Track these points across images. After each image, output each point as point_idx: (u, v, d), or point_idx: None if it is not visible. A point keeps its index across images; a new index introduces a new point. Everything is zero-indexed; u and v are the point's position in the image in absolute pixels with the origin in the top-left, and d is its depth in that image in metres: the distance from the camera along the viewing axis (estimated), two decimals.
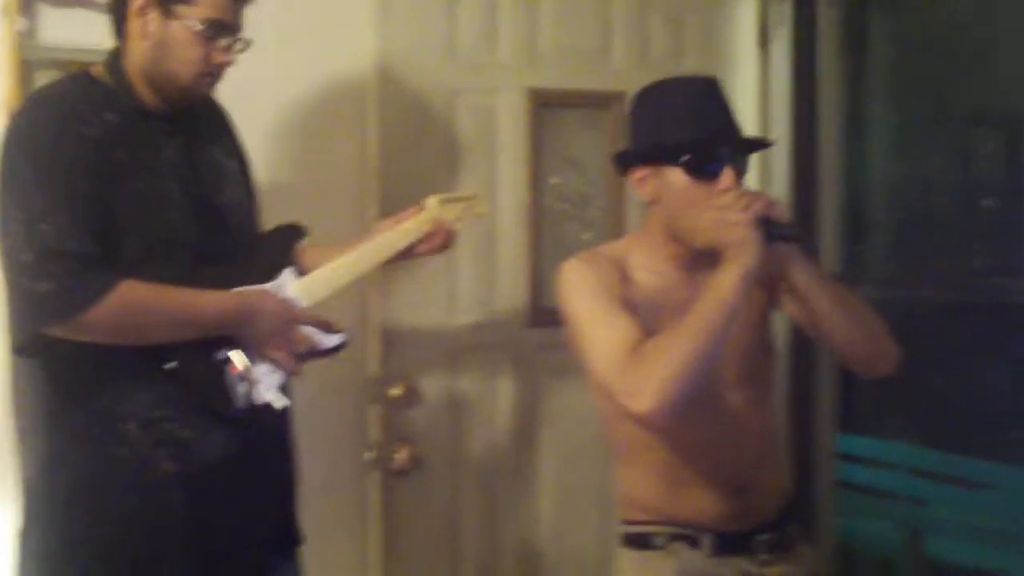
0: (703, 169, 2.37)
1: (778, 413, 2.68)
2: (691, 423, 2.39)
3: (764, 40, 3.76)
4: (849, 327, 2.44)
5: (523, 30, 3.40)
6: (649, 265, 2.49)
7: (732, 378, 2.48)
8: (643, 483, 2.54)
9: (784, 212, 2.36)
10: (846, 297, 2.46)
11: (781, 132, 3.73)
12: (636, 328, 2.33)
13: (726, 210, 2.30)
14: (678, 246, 2.46)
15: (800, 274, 2.42)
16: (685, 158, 2.38)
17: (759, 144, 2.64)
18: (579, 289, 2.43)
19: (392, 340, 3.25)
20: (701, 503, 2.49)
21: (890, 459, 5.70)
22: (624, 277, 2.46)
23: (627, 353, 2.28)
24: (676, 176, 2.40)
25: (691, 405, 2.30)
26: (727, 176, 2.36)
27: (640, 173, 2.45)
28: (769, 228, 2.30)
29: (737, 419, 2.49)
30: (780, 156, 3.73)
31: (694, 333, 2.25)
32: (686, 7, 3.62)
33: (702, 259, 2.41)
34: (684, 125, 2.39)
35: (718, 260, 2.32)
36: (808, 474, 3.85)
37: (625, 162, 2.50)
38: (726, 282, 2.27)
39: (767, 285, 2.52)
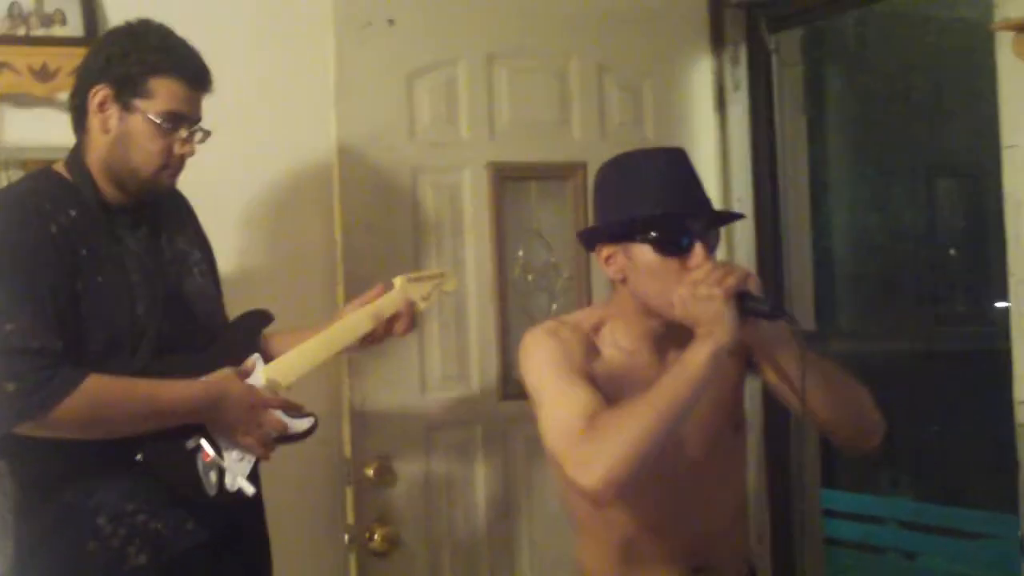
0: (672, 245, 2.29)
1: (745, 486, 2.60)
2: (650, 499, 2.34)
3: (722, 104, 3.80)
4: (835, 405, 2.35)
5: (482, 105, 3.43)
6: (618, 342, 2.40)
7: (696, 455, 2.39)
8: (597, 556, 2.47)
9: (759, 286, 2.27)
10: (830, 373, 2.35)
11: (743, 194, 3.76)
12: (594, 401, 2.24)
13: (699, 284, 2.21)
14: (650, 320, 2.37)
15: (779, 353, 2.35)
16: (653, 235, 2.29)
17: (729, 217, 2.59)
18: (540, 359, 2.35)
19: (364, 420, 3.24)
20: None
21: (877, 513, 5.70)
22: (590, 349, 2.38)
23: (581, 424, 2.19)
24: (644, 253, 2.31)
25: (650, 481, 2.24)
26: (698, 252, 2.28)
27: (607, 251, 2.37)
28: (744, 303, 2.23)
29: (699, 497, 2.40)
30: (743, 218, 3.76)
31: (655, 410, 2.16)
32: (642, 75, 3.66)
33: (674, 337, 2.34)
34: (650, 200, 2.30)
35: (690, 338, 2.24)
36: (793, 532, 3.84)
37: (591, 240, 2.43)
38: (695, 359, 2.18)
39: (741, 355, 2.42)
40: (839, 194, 5.89)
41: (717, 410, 2.41)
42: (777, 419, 3.76)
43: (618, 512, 2.37)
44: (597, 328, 2.42)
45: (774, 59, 3.85)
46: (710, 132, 3.78)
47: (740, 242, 3.72)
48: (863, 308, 5.91)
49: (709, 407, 2.34)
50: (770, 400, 3.69)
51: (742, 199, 3.76)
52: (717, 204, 3.58)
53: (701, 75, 3.80)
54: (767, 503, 3.78)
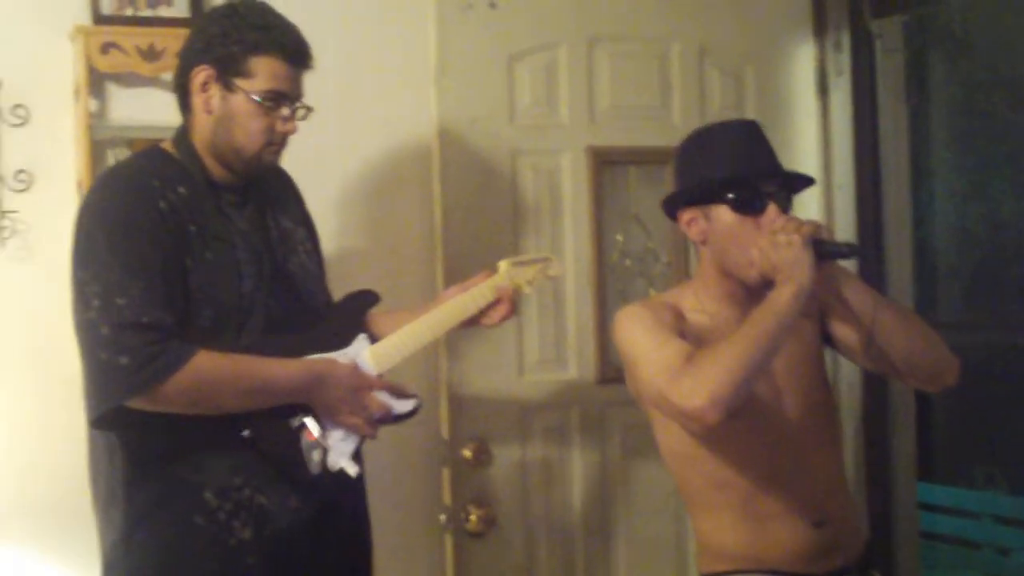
0: (748, 205, 2.45)
1: (848, 463, 2.67)
2: (762, 455, 2.45)
3: (823, 90, 3.76)
4: (908, 339, 2.48)
5: (582, 89, 3.43)
6: (702, 306, 2.54)
7: (796, 409, 2.51)
8: (721, 526, 2.53)
9: (830, 233, 2.43)
10: (902, 310, 2.51)
11: (844, 181, 3.72)
12: (688, 346, 2.39)
13: (777, 233, 2.36)
14: (731, 284, 2.51)
15: (853, 292, 2.48)
16: (729, 195, 2.45)
17: (802, 181, 2.64)
18: (633, 326, 2.48)
19: (462, 402, 3.26)
20: (782, 538, 2.48)
21: (973, 508, 5.62)
22: (679, 317, 2.51)
23: (680, 363, 2.33)
24: (722, 214, 2.47)
25: (757, 435, 2.39)
26: (772, 210, 2.43)
27: (688, 215, 2.52)
28: (821, 247, 2.36)
29: (806, 450, 2.51)
30: (845, 205, 3.72)
31: (746, 343, 2.30)
32: (744, 60, 3.64)
33: (755, 298, 2.44)
34: (726, 164, 2.48)
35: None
36: (889, 525, 3.79)
37: (673, 205, 2.57)
38: (780, 297, 2.33)
39: (816, 318, 2.57)
40: (940, 182, 5.80)
41: (804, 366, 2.54)
42: (876, 411, 3.72)
43: (732, 472, 2.48)
44: (680, 300, 2.57)
45: (877, 45, 3.80)
46: (811, 118, 3.75)
47: (841, 229, 3.67)
48: (964, 299, 5.82)
49: (799, 364, 2.51)
50: (868, 391, 3.67)
51: (843, 186, 3.72)
52: (818, 190, 3.57)
53: (803, 60, 3.77)
54: (865, 495, 3.74)
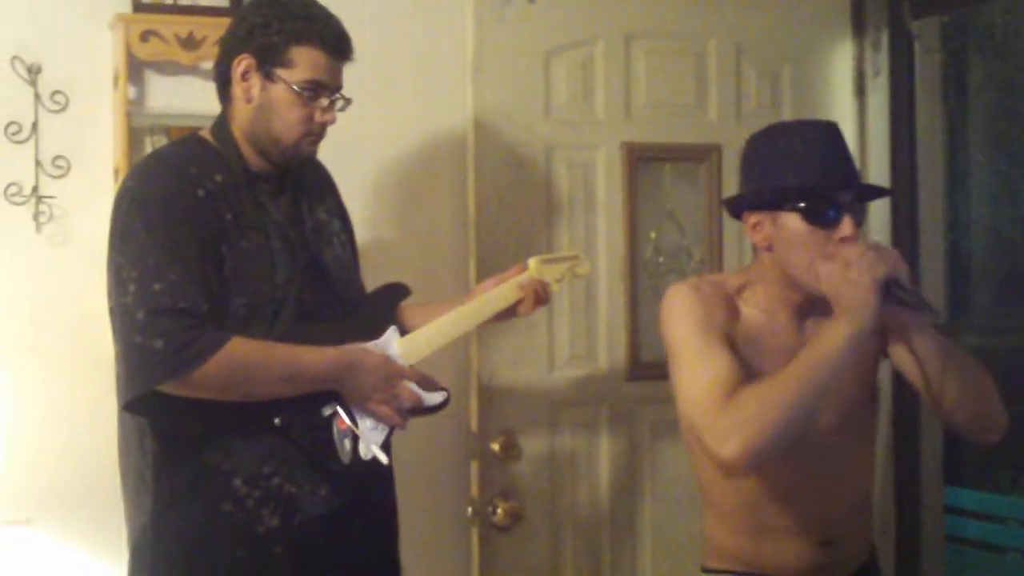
0: (821, 216, 2.30)
1: (877, 463, 2.62)
2: (781, 468, 2.35)
3: (861, 90, 3.75)
4: (962, 395, 2.35)
5: (618, 85, 3.44)
6: (760, 303, 2.43)
7: (830, 426, 2.39)
8: (726, 527, 2.49)
9: (908, 274, 2.27)
10: (962, 363, 2.36)
11: (880, 182, 3.70)
12: (733, 368, 2.28)
13: (851, 266, 2.21)
14: (791, 291, 2.39)
15: (917, 339, 2.34)
16: (802, 204, 2.31)
17: (878, 192, 2.57)
18: (682, 316, 2.37)
19: (492, 395, 3.27)
20: (784, 554, 2.43)
21: (999, 512, 5.59)
22: (731, 310, 2.41)
23: (721, 394, 2.23)
24: (792, 222, 2.33)
25: (782, 456, 2.26)
26: (847, 224, 2.29)
27: (754, 219, 2.39)
28: (891, 291, 2.23)
29: (831, 468, 2.42)
30: (880, 205, 3.70)
31: (792, 387, 2.18)
32: (781, 58, 3.63)
33: (815, 305, 2.36)
34: (802, 170, 2.31)
35: (830, 309, 2.25)
36: (916, 529, 3.78)
37: (738, 207, 2.45)
38: (835, 340, 2.20)
39: (879, 332, 2.39)
40: (976, 185, 5.78)
41: (851, 385, 2.41)
42: (907, 415, 3.71)
43: (748, 482, 2.39)
44: (739, 290, 2.45)
45: (916, 45, 3.78)
46: (848, 118, 3.73)
47: (876, 231, 3.66)
48: (996, 301, 5.79)
49: (843, 382, 2.34)
50: (900, 394, 3.65)
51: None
52: None
53: (841, 60, 3.76)
54: (893, 497, 3.73)
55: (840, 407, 2.40)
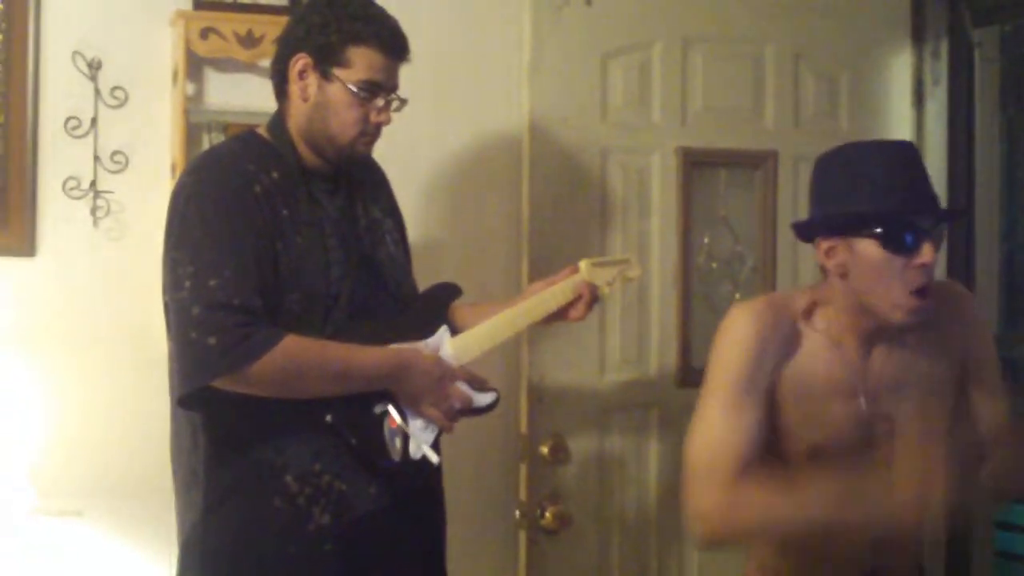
0: (899, 242, 2.19)
1: None
2: None
3: (920, 99, 3.72)
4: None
5: (675, 89, 3.42)
6: (827, 329, 2.32)
7: (883, 455, 2.25)
8: (772, 547, 2.41)
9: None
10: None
11: (937, 192, 3.64)
12: (754, 440, 2.21)
13: (922, 470, 2.07)
14: (865, 320, 2.29)
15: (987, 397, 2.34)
16: (879, 231, 2.20)
17: (956, 214, 2.52)
18: (732, 353, 2.28)
19: (542, 397, 3.26)
20: None
21: None
22: (791, 340, 2.31)
23: (728, 469, 2.16)
24: (868, 248, 2.21)
25: (837, 472, 2.18)
26: (926, 251, 2.18)
27: (827, 244, 2.27)
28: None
29: None
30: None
31: (800, 518, 2.12)
32: (839, 64, 3.61)
33: (884, 333, 2.29)
34: (879, 195, 2.20)
35: (899, 337, 2.19)
36: (965, 544, 3.74)
37: (810, 231, 2.34)
38: (880, 511, 2.08)
39: (960, 363, 2.36)
40: None
41: (928, 403, 2.32)
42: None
43: None
44: (809, 312, 2.34)
45: (976, 54, 3.75)
46: (906, 127, 3.71)
47: None
48: None
49: (922, 402, 2.29)
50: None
51: (936, 197, 3.66)
52: None
53: (900, 68, 3.73)
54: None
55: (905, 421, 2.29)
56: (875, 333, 2.30)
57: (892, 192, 2.20)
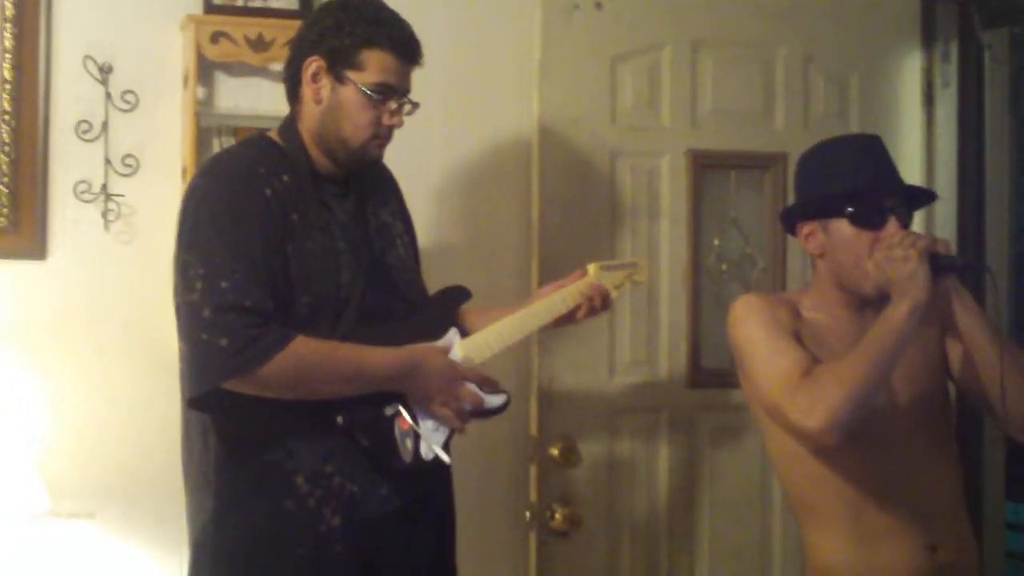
0: (868, 219, 2.44)
1: (959, 463, 2.60)
2: (872, 461, 2.42)
3: (929, 101, 3.72)
4: (1010, 379, 2.39)
5: (684, 92, 3.43)
6: (820, 307, 2.53)
7: (911, 419, 2.47)
8: (829, 540, 2.48)
9: (949, 247, 2.41)
10: (1009, 348, 2.44)
11: (946, 194, 3.67)
12: (806, 356, 2.40)
13: (894, 248, 2.36)
14: (847, 296, 2.51)
15: (962, 313, 2.44)
16: (850, 209, 2.45)
17: (924, 196, 2.65)
18: (751, 319, 2.50)
19: (551, 399, 3.27)
20: (893, 561, 2.42)
21: None
22: (795, 316, 2.51)
23: (798, 375, 2.35)
24: (841, 227, 2.46)
25: (873, 449, 2.38)
26: (892, 225, 2.42)
27: (807, 228, 2.52)
28: (938, 261, 2.35)
29: (919, 463, 2.47)
30: (946, 217, 3.67)
31: (863, 360, 2.30)
32: (849, 67, 3.61)
33: (872, 304, 2.46)
34: (848, 176, 2.46)
35: (886, 303, 2.36)
36: (977, 544, 3.72)
37: (791, 218, 2.57)
38: (896, 314, 2.32)
39: (938, 324, 2.52)
40: None
41: (924, 373, 2.51)
42: (966, 429, 3.66)
43: (845, 485, 2.44)
44: (799, 300, 2.57)
45: (986, 56, 3.74)
46: (916, 129, 3.71)
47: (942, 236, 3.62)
48: None
49: (916, 370, 2.47)
50: (960, 409, 3.61)
51: (945, 198, 3.67)
52: None
53: (910, 70, 3.73)
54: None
55: (916, 398, 2.48)
56: (863, 307, 2.50)
57: (859, 173, 2.46)
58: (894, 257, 2.34)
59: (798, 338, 2.45)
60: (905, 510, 2.44)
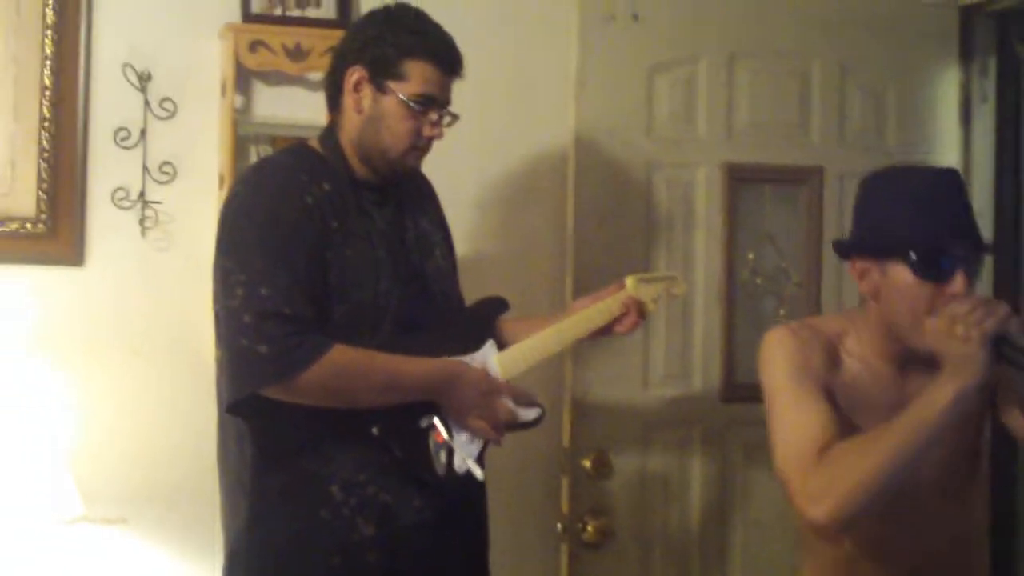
0: (932, 269, 2.15)
1: (982, 517, 2.47)
2: (880, 527, 2.23)
3: (967, 116, 3.70)
4: None
5: (721, 104, 3.42)
6: (861, 353, 2.29)
7: (931, 486, 2.25)
8: (819, 572, 2.38)
9: (1021, 327, 2.08)
10: None
11: (983, 210, 3.64)
12: (830, 422, 2.17)
13: (957, 321, 2.06)
14: (896, 345, 2.25)
15: None
16: (913, 256, 2.16)
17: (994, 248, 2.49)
18: (779, 361, 2.26)
19: (585, 412, 3.26)
20: None
21: None
22: (832, 359, 2.28)
23: (814, 451, 2.12)
24: (901, 273, 2.18)
25: (883, 505, 2.13)
26: (958, 281, 2.14)
27: (861, 265, 2.25)
28: (1001, 348, 2.06)
29: (934, 526, 2.28)
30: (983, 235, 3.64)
31: (891, 446, 2.06)
32: (886, 81, 3.59)
33: (919, 358, 2.22)
34: (915, 219, 2.16)
35: (936, 363, 2.12)
36: (1011, 574, 3.71)
37: (847, 250, 2.30)
38: (939, 401, 2.05)
39: (987, 388, 2.21)
40: None
41: (955, 444, 2.28)
42: (1003, 459, 3.62)
43: (846, 539, 2.29)
44: (841, 336, 2.32)
45: None
46: (953, 144, 3.69)
47: None
48: None
49: (947, 440, 2.20)
50: (999, 436, 3.58)
51: (983, 215, 3.62)
52: None
53: (947, 85, 3.71)
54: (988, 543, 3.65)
55: (942, 466, 2.26)
56: (909, 359, 2.26)
57: (930, 218, 2.16)
58: (956, 333, 2.05)
59: (828, 392, 2.22)
60: (900, 565, 2.29)
